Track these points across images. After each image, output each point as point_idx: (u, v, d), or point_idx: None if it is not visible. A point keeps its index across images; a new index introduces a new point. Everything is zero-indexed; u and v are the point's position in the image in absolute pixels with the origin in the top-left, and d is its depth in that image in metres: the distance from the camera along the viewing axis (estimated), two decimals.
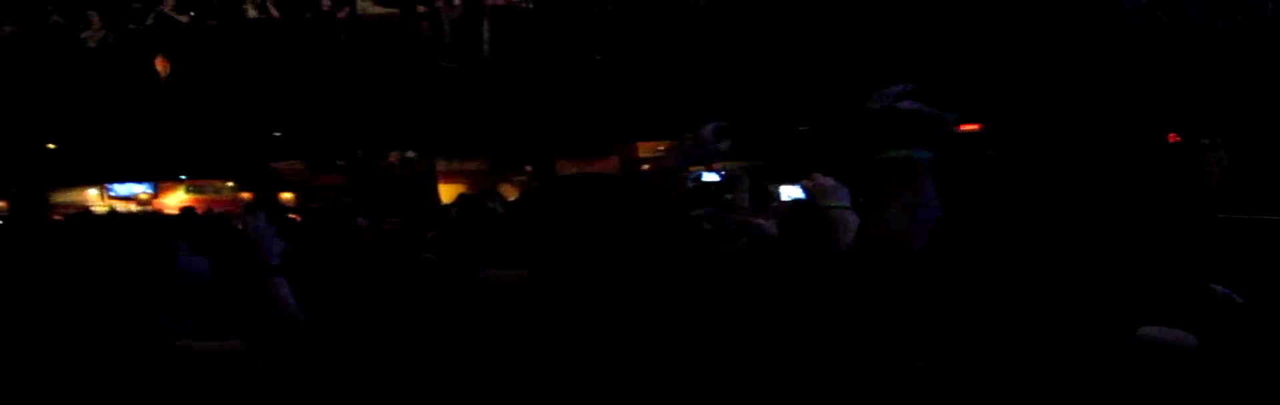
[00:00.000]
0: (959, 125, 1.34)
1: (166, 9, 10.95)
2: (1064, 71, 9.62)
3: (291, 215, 7.94)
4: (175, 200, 13.98)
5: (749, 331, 1.25)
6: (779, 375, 1.24)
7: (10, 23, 11.00)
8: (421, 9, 10.90)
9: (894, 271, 1.28)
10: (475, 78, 10.50)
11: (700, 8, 10.17)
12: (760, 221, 2.45)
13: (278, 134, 12.24)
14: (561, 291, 1.27)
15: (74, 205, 13.91)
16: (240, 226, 1.92)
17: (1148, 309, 1.83)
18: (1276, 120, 9.46)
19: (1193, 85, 9.50)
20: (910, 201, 1.29)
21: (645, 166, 12.70)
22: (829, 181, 2.11)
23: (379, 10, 11.34)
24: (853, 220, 2.00)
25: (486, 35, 10.66)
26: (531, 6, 10.67)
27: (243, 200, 13.45)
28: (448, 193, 12.89)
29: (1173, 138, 11.46)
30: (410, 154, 13.50)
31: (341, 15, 11.18)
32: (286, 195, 13.69)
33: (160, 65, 11.00)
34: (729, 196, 2.50)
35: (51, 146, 11.86)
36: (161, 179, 14.22)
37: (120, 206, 13.89)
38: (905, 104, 1.34)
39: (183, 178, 14.24)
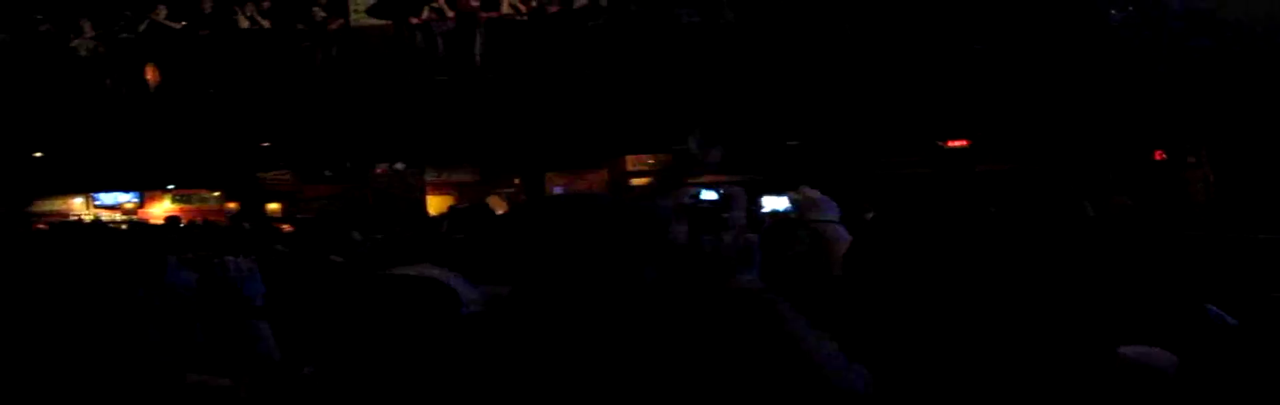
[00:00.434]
0: (947, 141, 1.34)
1: (158, 18, 10.93)
2: (1051, 88, 9.69)
3: (282, 226, 7.91)
4: (161, 210, 13.88)
5: (729, 357, 1.25)
6: (759, 394, 1.24)
7: (0, 30, 10.96)
8: (414, 20, 10.92)
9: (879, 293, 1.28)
10: (466, 89, 10.51)
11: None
12: (752, 237, 2.43)
13: (266, 144, 12.20)
14: (541, 310, 1.28)
15: (58, 214, 13.80)
16: (219, 272, 1.86)
17: (1133, 328, 1.83)
18: (1262, 138, 9.54)
19: (1179, 103, 9.58)
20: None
21: (636, 181, 12.72)
22: (816, 194, 2.09)
23: (372, 21, 11.35)
24: (842, 234, 2.00)
25: (479, 47, 10.68)
26: (525, 19, 10.70)
27: (229, 210, 13.37)
28: (436, 204, 12.86)
29: (1159, 155, 11.54)
30: (399, 165, 13.47)
31: (334, 26, 11.18)
32: (273, 206, 13.62)
33: (150, 74, 10.97)
34: (726, 215, 2.49)
35: (38, 155, 11.79)
36: (148, 188, 14.12)
37: (105, 216, 13.77)
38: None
39: (170, 187, 14.16)
